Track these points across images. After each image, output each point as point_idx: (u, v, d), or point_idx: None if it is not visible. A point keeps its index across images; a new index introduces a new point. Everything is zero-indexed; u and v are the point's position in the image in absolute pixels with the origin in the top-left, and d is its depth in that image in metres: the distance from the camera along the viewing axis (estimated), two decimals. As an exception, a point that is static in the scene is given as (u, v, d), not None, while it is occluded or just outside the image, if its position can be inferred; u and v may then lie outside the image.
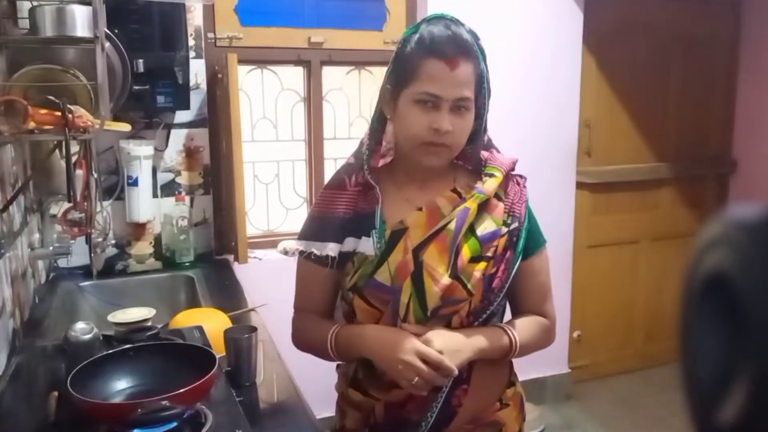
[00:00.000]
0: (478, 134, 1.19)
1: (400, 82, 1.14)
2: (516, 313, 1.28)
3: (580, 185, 3.21)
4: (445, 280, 1.13)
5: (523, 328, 1.22)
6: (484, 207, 1.18)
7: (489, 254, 1.16)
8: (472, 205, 1.16)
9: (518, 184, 1.24)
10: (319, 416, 1.36)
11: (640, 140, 3.42)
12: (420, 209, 1.18)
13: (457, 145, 1.16)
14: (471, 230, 1.17)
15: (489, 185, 1.18)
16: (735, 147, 3.62)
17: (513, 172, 1.25)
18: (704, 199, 3.61)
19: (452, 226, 1.15)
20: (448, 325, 1.18)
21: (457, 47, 1.10)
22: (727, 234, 0.33)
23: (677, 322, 0.36)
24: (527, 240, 1.20)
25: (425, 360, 1.09)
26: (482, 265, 1.16)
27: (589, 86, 3.17)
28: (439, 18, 1.14)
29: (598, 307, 3.44)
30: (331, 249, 1.20)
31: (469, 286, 1.15)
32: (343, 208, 1.20)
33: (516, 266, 1.19)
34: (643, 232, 3.51)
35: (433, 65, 1.10)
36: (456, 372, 1.11)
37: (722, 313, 0.33)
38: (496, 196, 1.20)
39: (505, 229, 1.18)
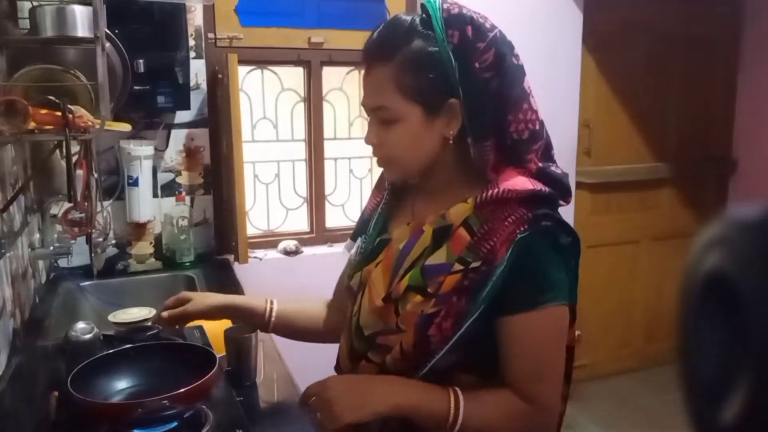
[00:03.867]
0: (476, 147, 0.99)
1: None
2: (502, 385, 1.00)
3: (579, 185, 3.21)
4: (378, 301, 1.02)
5: (486, 401, 0.97)
6: (446, 235, 0.99)
7: (430, 290, 0.97)
8: (427, 228, 1.01)
9: (506, 219, 0.95)
10: (319, 416, 1.36)
11: (640, 140, 3.42)
12: (408, 223, 1.08)
13: (398, 159, 1.02)
14: (424, 257, 1.00)
15: (454, 211, 0.99)
16: (735, 147, 3.62)
17: (522, 206, 0.96)
18: (704, 199, 3.61)
19: (400, 246, 1.03)
20: (384, 370, 1.03)
21: (369, 49, 1.00)
22: (727, 234, 0.33)
23: (677, 322, 0.36)
24: (511, 292, 0.94)
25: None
26: (418, 298, 0.97)
27: (589, 86, 3.17)
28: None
29: (598, 307, 3.43)
30: (347, 245, 1.22)
31: (398, 317, 1.00)
32: (370, 209, 1.19)
33: (472, 318, 0.94)
34: (643, 232, 3.51)
35: None
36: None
37: (722, 313, 0.33)
38: (466, 225, 0.97)
39: (458, 267, 0.95)
